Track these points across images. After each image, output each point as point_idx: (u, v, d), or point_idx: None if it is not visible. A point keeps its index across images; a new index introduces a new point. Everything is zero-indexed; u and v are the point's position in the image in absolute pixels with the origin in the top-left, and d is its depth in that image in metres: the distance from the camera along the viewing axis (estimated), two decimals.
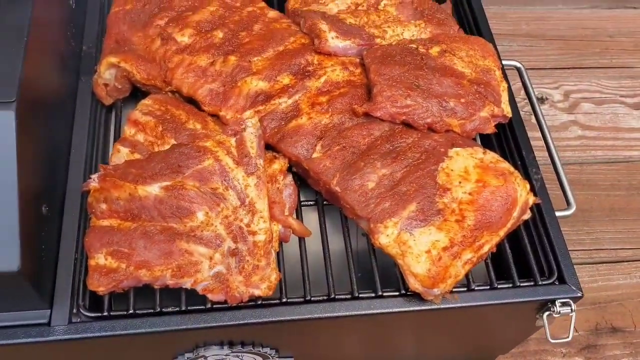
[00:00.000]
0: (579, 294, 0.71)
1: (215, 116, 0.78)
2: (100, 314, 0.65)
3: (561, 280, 0.73)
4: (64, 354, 0.67)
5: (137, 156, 0.71)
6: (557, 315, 0.72)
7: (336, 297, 0.69)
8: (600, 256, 1.15)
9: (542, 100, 1.33)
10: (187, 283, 0.65)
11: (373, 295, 0.70)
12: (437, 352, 0.91)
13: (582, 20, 1.49)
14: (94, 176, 0.67)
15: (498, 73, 0.84)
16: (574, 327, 1.01)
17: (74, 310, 0.65)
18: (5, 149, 0.56)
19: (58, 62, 0.72)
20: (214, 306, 0.67)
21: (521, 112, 0.97)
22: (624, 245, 1.16)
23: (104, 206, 0.66)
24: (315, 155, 0.75)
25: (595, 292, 1.11)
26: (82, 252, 0.68)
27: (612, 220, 1.19)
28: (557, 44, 1.44)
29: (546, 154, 0.89)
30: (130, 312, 0.65)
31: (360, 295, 0.70)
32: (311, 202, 0.79)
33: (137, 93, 0.82)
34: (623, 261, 1.14)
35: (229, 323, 0.66)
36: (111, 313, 0.65)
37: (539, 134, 0.90)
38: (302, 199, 0.78)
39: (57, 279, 0.66)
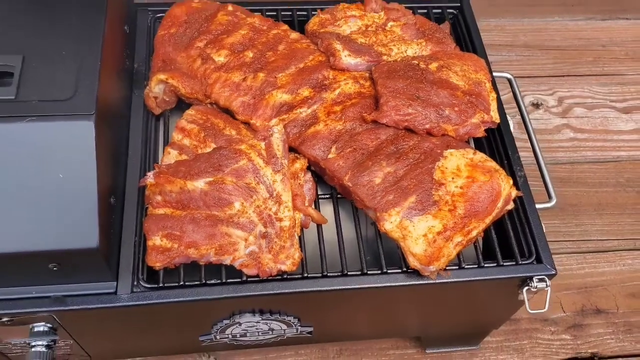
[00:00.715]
0: (553, 272, 0.83)
1: (247, 124, 0.89)
2: (156, 285, 0.77)
3: (538, 260, 0.83)
4: (127, 317, 0.80)
5: (184, 157, 0.84)
6: (534, 290, 0.83)
7: (348, 273, 0.80)
8: (587, 246, 1.26)
9: (537, 105, 1.45)
10: (227, 260, 0.78)
11: (379, 272, 0.81)
12: (436, 327, 1.03)
13: (577, 31, 1.59)
14: (150, 174, 0.81)
15: (488, 85, 0.95)
16: (562, 308, 1.14)
17: (135, 282, 0.77)
18: (87, 153, 0.68)
19: (118, 79, 0.85)
20: (249, 279, 0.78)
21: (517, 117, 1.10)
22: (609, 237, 1.27)
23: (159, 198, 0.81)
24: (330, 156, 0.86)
25: (582, 278, 1.22)
26: (140, 236, 0.80)
27: (600, 214, 1.30)
28: (553, 53, 1.54)
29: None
30: (180, 283, 0.78)
31: (369, 272, 0.81)
32: (327, 196, 0.89)
33: (182, 104, 0.93)
34: (608, 251, 1.26)
35: (260, 293, 0.78)
36: (165, 284, 0.78)
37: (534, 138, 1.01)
38: (319, 192, 0.88)
39: (120, 257, 0.78)
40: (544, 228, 0.87)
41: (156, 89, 0.90)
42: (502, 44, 1.55)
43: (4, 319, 0.77)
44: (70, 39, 0.75)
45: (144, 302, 0.77)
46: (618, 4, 1.65)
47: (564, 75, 1.51)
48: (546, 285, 0.83)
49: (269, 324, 0.88)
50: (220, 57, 0.93)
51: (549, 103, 1.46)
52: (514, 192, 0.86)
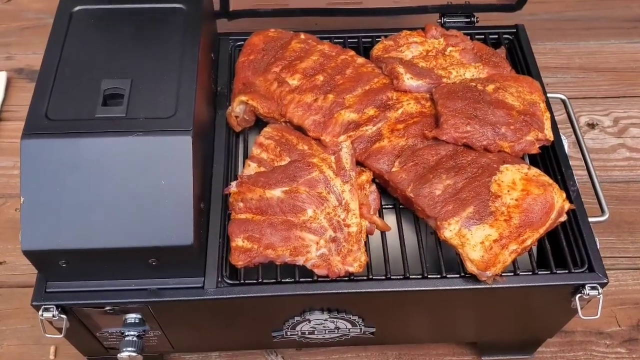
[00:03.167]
0: (605, 280, 0.86)
1: (318, 140, 0.95)
2: (237, 282, 0.85)
3: (590, 269, 0.87)
4: (210, 311, 0.89)
5: (262, 169, 0.93)
6: (587, 297, 0.87)
7: (410, 276, 0.86)
8: None
9: (592, 125, 1.48)
10: (300, 261, 0.85)
11: (439, 276, 0.86)
12: (492, 333, 1.07)
13: (633, 53, 1.60)
14: (233, 183, 0.91)
15: (542, 105, 0.99)
16: (618, 322, 1.17)
17: (219, 279, 0.85)
18: (185, 164, 0.78)
19: (207, 100, 0.95)
20: (319, 279, 0.85)
21: (571, 137, 1.15)
22: None
23: (241, 204, 0.90)
24: (394, 169, 0.92)
25: (638, 294, 1.23)
26: (224, 238, 0.88)
27: None
28: (609, 75, 1.56)
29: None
30: (259, 281, 0.86)
31: (429, 276, 0.87)
32: (390, 206, 0.94)
33: (259, 123, 1.01)
34: None
35: (329, 291, 0.84)
36: (245, 281, 0.86)
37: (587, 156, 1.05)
38: (383, 203, 0.93)
39: (207, 256, 0.87)
40: (597, 240, 0.92)
41: (237, 109, 1.00)
42: (558, 66, 1.58)
43: (107, 308, 0.88)
44: (170, 66, 0.87)
45: (228, 296, 0.85)
46: None
47: (619, 97, 1.53)
48: (598, 293, 0.87)
49: (335, 322, 0.96)
50: (294, 81, 1.02)
51: (604, 123, 1.49)
52: (567, 205, 0.91)
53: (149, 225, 0.79)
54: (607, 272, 0.88)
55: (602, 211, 0.99)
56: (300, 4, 1.16)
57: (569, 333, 1.18)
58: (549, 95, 1.07)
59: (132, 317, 0.91)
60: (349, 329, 0.98)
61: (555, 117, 1.04)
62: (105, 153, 0.79)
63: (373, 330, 0.99)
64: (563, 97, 1.13)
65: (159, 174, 0.79)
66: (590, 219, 0.94)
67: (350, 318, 0.94)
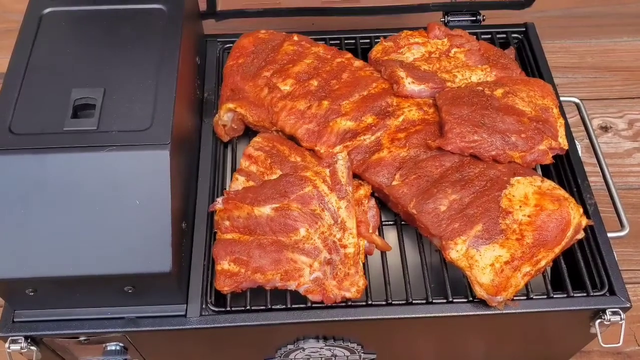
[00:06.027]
0: (628, 305, 0.79)
1: (312, 151, 0.90)
2: (223, 309, 0.79)
3: (611, 292, 0.81)
4: (195, 339, 0.82)
5: (251, 184, 0.86)
6: (607, 323, 0.80)
7: (413, 301, 0.80)
8: None
9: (605, 128, 1.40)
10: (292, 285, 0.79)
11: (445, 301, 0.80)
12: (503, 358, 1.01)
13: None
14: (219, 199, 0.84)
15: (555, 111, 0.93)
16: (637, 341, 1.09)
17: (204, 306, 0.79)
18: (162, 181, 0.71)
19: (190, 108, 0.88)
20: (313, 305, 0.79)
21: (584, 141, 1.07)
22: None
23: (227, 223, 0.83)
24: (394, 183, 0.86)
25: None
26: (209, 260, 0.82)
27: None
28: (622, 74, 1.48)
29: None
30: (247, 308, 0.79)
31: (434, 301, 0.80)
32: (391, 222, 0.89)
33: (248, 132, 0.95)
34: None
35: (325, 319, 0.78)
36: (232, 308, 0.80)
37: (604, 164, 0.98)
38: (383, 219, 0.88)
39: (190, 280, 0.80)
40: (616, 257, 0.84)
41: (225, 117, 0.93)
42: (568, 66, 1.50)
43: (81, 338, 0.80)
44: (147, 72, 0.79)
45: (212, 326, 0.79)
46: None
47: (634, 97, 1.45)
48: (620, 318, 0.79)
49: (332, 350, 0.88)
50: (286, 86, 0.95)
51: (618, 126, 1.41)
52: (584, 221, 0.84)
53: (122, 250, 0.72)
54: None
55: (622, 225, 0.92)
56: (293, 3, 1.09)
57: (585, 353, 1.11)
58: (561, 98, 1.00)
59: (112, 345, 0.84)
60: (347, 356, 0.91)
61: (568, 122, 0.96)
62: (74, 170, 0.72)
63: (373, 357, 0.92)
64: (577, 100, 1.05)
65: (134, 193, 0.72)
66: (609, 235, 0.86)
67: (348, 345, 0.87)
